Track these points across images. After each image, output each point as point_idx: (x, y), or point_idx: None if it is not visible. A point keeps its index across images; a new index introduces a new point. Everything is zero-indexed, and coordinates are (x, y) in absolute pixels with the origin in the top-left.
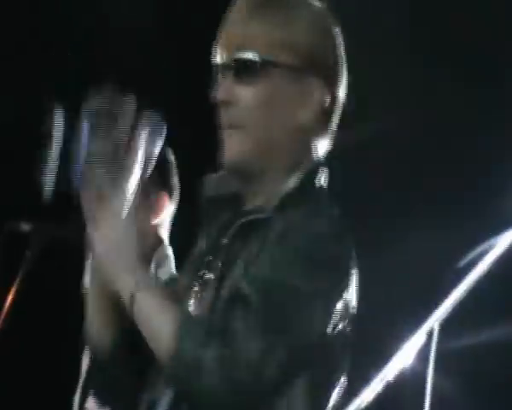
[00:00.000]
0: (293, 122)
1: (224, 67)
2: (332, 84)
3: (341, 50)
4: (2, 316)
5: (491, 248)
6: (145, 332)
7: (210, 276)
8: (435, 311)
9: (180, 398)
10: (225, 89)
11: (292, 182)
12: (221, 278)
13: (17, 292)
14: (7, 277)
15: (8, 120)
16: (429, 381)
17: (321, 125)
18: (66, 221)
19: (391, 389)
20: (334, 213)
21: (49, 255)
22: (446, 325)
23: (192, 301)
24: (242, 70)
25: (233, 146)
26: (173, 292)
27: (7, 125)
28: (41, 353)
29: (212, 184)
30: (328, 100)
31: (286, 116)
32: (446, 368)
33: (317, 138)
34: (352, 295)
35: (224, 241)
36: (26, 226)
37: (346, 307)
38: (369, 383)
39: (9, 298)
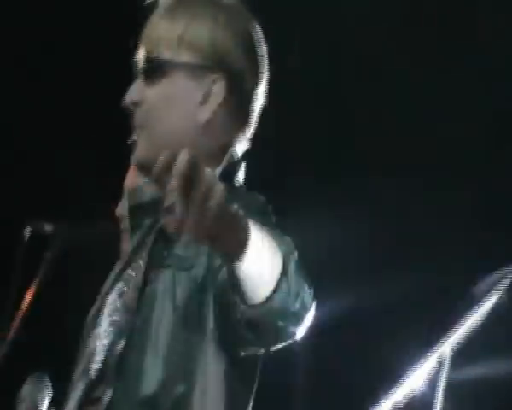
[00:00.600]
0: (197, 120)
1: (139, 69)
2: (241, 82)
3: (256, 47)
4: (21, 315)
5: (506, 275)
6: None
7: (132, 273)
8: (447, 337)
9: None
10: (134, 90)
11: None
12: (145, 278)
13: (36, 292)
14: (27, 276)
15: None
16: (438, 408)
17: (233, 124)
18: (88, 223)
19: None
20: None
21: (69, 256)
22: (458, 352)
23: (114, 295)
24: (149, 71)
25: (140, 145)
26: None
27: (29, 123)
28: (59, 352)
29: (133, 192)
30: (237, 97)
31: (189, 114)
32: (456, 396)
33: (228, 136)
34: None
35: (147, 244)
36: (48, 227)
37: None
38: (379, 408)
39: (28, 298)
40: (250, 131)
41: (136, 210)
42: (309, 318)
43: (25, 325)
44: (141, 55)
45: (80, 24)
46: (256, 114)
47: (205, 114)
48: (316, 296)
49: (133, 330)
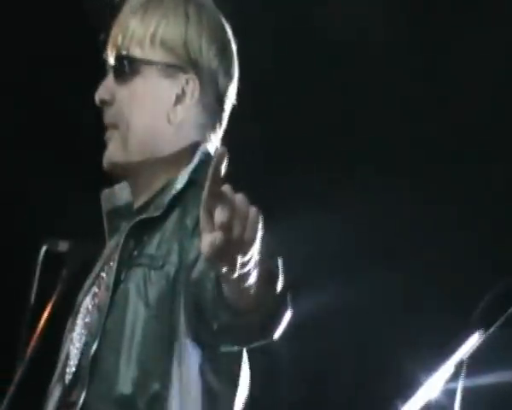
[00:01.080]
0: (170, 120)
1: (109, 66)
2: (214, 82)
3: (228, 46)
4: (37, 334)
5: None
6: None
7: (104, 275)
8: (465, 343)
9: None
10: (104, 88)
11: (184, 174)
12: (117, 278)
13: (52, 310)
14: (44, 294)
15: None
16: None
17: (203, 124)
18: (102, 241)
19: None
20: None
21: (85, 275)
22: (475, 358)
23: (88, 298)
24: (120, 69)
25: (110, 147)
26: None
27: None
28: None
29: (108, 197)
30: (209, 96)
31: (162, 114)
32: (473, 403)
33: (201, 135)
34: None
35: (119, 244)
36: (64, 245)
37: None
38: None
39: (45, 316)
40: (221, 131)
41: (113, 214)
42: (287, 318)
43: (41, 342)
44: (111, 53)
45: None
46: (227, 113)
47: (179, 114)
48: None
49: (105, 330)
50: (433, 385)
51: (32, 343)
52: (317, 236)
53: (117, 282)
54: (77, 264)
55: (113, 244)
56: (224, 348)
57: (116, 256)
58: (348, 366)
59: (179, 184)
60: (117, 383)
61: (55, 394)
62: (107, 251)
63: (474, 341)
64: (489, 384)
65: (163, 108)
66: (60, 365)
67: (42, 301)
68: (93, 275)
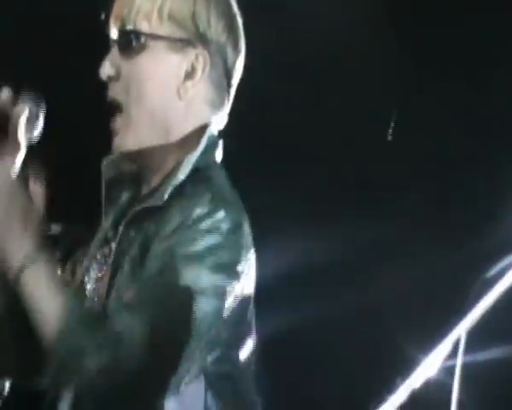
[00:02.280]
0: (180, 95)
1: (112, 41)
2: (222, 55)
3: (235, 19)
4: None
5: None
6: (31, 307)
7: (104, 255)
8: (462, 320)
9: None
10: (109, 64)
11: (187, 162)
12: (115, 267)
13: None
14: None
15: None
16: (455, 391)
17: (212, 99)
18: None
19: (416, 399)
20: (228, 198)
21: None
22: (473, 335)
23: (90, 285)
24: (126, 44)
25: (120, 135)
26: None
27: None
28: None
29: (111, 165)
30: (218, 71)
31: (171, 89)
32: (472, 379)
33: (210, 111)
34: (243, 287)
35: (120, 228)
36: (56, 228)
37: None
38: (395, 392)
39: None
40: (229, 106)
41: (113, 184)
42: None
43: None
44: (115, 26)
45: None
46: (234, 89)
47: (189, 90)
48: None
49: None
50: (431, 363)
51: None
52: None
53: (115, 269)
54: (69, 246)
55: (112, 218)
56: None
57: (115, 243)
58: (347, 344)
59: (182, 174)
60: None
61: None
62: (105, 224)
63: (473, 316)
64: (488, 360)
65: (172, 83)
66: None
67: None
68: (93, 248)
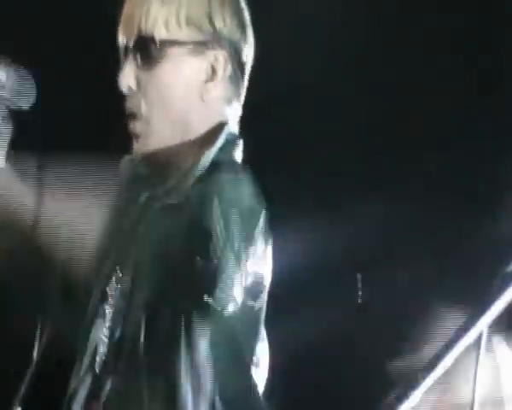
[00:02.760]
0: (202, 98)
1: (127, 50)
2: (237, 51)
3: (246, 16)
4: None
5: None
6: None
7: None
8: (484, 314)
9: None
10: (128, 75)
11: (205, 159)
12: (137, 266)
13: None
14: None
15: None
16: (476, 384)
17: (230, 96)
18: None
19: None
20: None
21: None
22: (495, 328)
23: (113, 282)
24: (145, 53)
25: (144, 138)
26: None
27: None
28: None
29: (128, 164)
30: (234, 67)
31: (194, 94)
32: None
33: (228, 107)
34: (261, 266)
35: (140, 227)
36: None
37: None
38: (417, 386)
39: None
40: (242, 100)
41: (131, 184)
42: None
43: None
44: (131, 36)
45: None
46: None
47: (211, 91)
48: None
49: (129, 316)
50: (454, 354)
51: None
52: None
53: (138, 268)
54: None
55: (131, 218)
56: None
57: (136, 243)
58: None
59: (199, 170)
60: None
61: (86, 382)
62: (125, 223)
63: (495, 309)
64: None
65: (194, 87)
66: (88, 354)
67: None
68: (113, 253)
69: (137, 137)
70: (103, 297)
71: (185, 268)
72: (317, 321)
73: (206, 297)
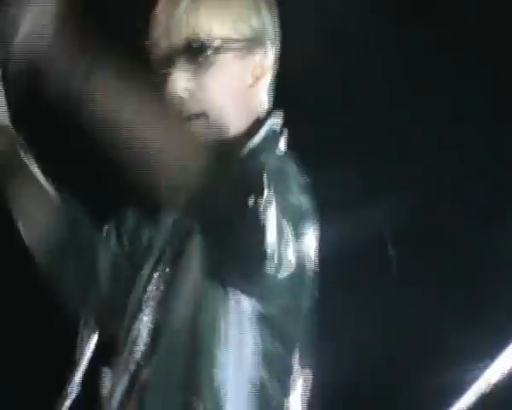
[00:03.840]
0: (250, 96)
1: (171, 58)
2: (268, 51)
3: (274, 17)
4: None
5: None
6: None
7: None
8: None
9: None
10: (178, 83)
11: (247, 149)
12: (178, 260)
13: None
14: None
15: None
16: None
17: (270, 87)
18: None
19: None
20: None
21: None
22: None
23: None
24: (194, 61)
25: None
26: None
27: None
28: None
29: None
30: (268, 65)
31: (244, 95)
32: None
33: (264, 105)
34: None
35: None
36: None
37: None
38: (473, 385)
39: None
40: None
41: (173, 189)
42: None
43: None
44: (177, 45)
45: None
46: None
47: (259, 91)
48: None
49: (171, 307)
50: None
51: None
52: None
53: (179, 261)
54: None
55: (171, 220)
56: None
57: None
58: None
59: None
60: (181, 357)
61: (124, 377)
62: (167, 224)
63: None
64: None
65: (244, 88)
66: (129, 343)
67: None
68: (156, 251)
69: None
70: (146, 288)
71: (239, 230)
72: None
73: (260, 259)
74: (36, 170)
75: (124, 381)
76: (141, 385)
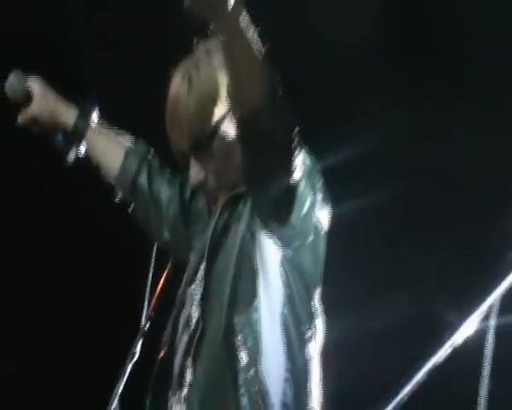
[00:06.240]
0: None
1: (186, 156)
2: None
3: None
4: (156, 297)
5: None
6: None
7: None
8: (495, 291)
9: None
10: (195, 174)
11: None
12: (210, 254)
13: (167, 277)
14: (157, 275)
15: None
16: (488, 353)
17: None
18: None
19: (453, 360)
20: None
21: None
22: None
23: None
24: (201, 149)
25: (214, 191)
26: None
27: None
28: None
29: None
30: None
31: (236, 150)
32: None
33: None
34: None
35: (212, 220)
36: None
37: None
38: (433, 355)
39: (161, 282)
40: None
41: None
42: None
43: (159, 306)
44: (184, 149)
45: None
46: None
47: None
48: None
49: (209, 285)
50: (468, 326)
51: (153, 306)
52: None
53: (211, 255)
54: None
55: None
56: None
57: (211, 228)
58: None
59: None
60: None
61: (183, 341)
62: (205, 236)
63: (504, 285)
64: None
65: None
66: (183, 318)
67: (157, 280)
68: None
69: (209, 192)
70: (189, 284)
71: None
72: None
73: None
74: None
75: (168, 378)
76: (183, 381)
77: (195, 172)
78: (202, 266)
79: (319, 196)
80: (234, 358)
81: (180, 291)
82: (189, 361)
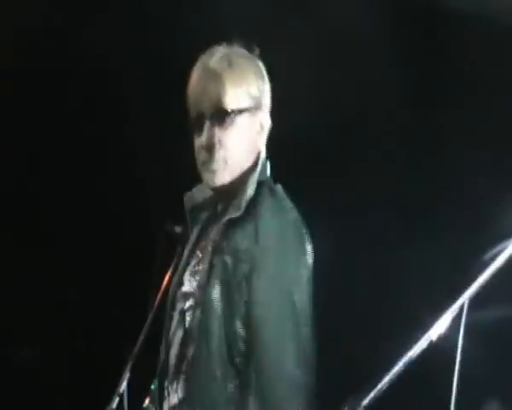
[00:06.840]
0: (258, 145)
1: (201, 118)
2: (268, 110)
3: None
4: (159, 298)
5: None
6: None
7: (199, 255)
8: (466, 290)
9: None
10: (207, 137)
11: (252, 180)
12: (210, 267)
13: (170, 279)
14: (165, 263)
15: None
16: (459, 349)
17: (264, 138)
18: None
19: (426, 357)
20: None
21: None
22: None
23: (188, 281)
24: (220, 121)
25: (218, 174)
26: None
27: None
28: None
29: (189, 198)
30: (268, 116)
31: (253, 145)
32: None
33: (262, 153)
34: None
35: (211, 235)
36: (178, 228)
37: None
38: (407, 352)
39: (164, 284)
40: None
41: (194, 210)
42: None
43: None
44: (206, 110)
45: None
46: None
47: (262, 140)
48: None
49: (206, 300)
50: (439, 323)
51: (158, 297)
52: None
53: (211, 265)
54: (186, 242)
55: (195, 234)
56: None
57: (210, 248)
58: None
59: (250, 189)
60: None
61: (177, 337)
62: (192, 238)
63: (475, 285)
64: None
65: (253, 140)
66: (177, 317)
67: (164, 267)
68: (185, 257)
69: (214, 171)
70: (182, 282)
71: None
72: None
73: None
74: None
75: (177, 339)
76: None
77: (208, 135)
78: (196, 262)
79: (310, 260)
80: (230, 348)
81: (175, 278)
82: (185, 352)
